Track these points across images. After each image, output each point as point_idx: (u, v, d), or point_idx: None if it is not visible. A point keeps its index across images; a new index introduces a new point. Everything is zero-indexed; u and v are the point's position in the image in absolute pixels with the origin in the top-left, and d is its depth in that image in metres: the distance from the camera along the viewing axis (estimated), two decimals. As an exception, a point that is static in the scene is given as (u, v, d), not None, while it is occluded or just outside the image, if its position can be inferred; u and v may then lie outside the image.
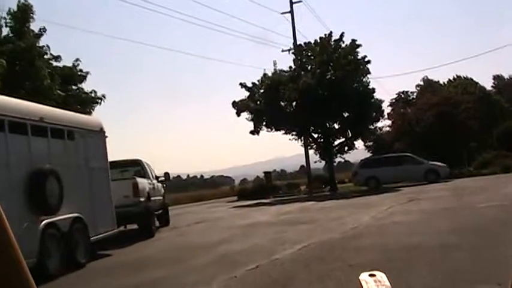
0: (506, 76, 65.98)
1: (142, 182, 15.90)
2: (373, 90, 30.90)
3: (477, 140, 36.96)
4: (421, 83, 61.29)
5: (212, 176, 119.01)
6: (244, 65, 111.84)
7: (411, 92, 54.76)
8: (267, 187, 34.28)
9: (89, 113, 18.76)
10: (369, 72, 30.97)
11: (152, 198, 16.73)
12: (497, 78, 66.48)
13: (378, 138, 42.43)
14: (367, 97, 30.53)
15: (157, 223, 19.04)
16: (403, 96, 53.23)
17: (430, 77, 61.91)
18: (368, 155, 56.13)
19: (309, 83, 29.26)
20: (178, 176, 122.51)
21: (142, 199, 15.37)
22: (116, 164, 17.63)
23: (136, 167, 17.82)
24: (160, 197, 18.97)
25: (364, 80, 30.94)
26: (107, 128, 12.91)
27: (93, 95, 18.64)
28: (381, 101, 31.90)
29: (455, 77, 62.42)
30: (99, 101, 18.72)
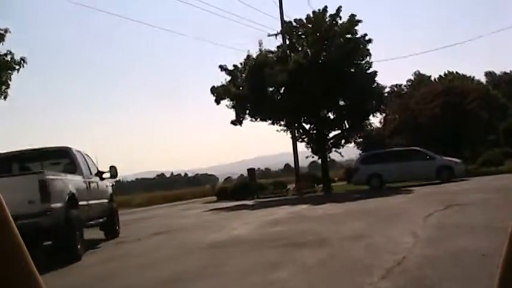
0: (498, 72, 61.46)
1: (60, 179, 10.11)
2: (375, 73, 25.31)
3: (482, 135, 31.47)
4: (412, 77, 56.91)
5: (196, 174, 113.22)
6: (226, 47, 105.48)
7: (404, 86, 49.92)
8: (251, 186, 28.54)
9: (5, 83, 12.92)
10: (370, 54, 25.37)
11: (83, 203, 10.95)
12: (489, 74, 61.90)
13: (369, 134, 37.17)
14: (368, 82, 24.96)
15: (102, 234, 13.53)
16: (396, 89, 48.13)
17: (420, 71, 57.82)
18: (357, 152, 50.75)
19: (300, 62, 23.57)
20: (162, 174, 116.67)
21: (58, 205, 9.59)
22: (29, 155, 11.91)
23: (62, 159, 12.03)
24: (104, 200, 13.21)
25: (363, 62, 25.34)
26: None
27: (8, 58, 12.74)
28: (383, 87, 26.31)
29: (447, 72, 57.94)
30: (18, 66, 12.83)
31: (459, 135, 28.82)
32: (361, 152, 47.19)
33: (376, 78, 25.28)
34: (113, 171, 13.75)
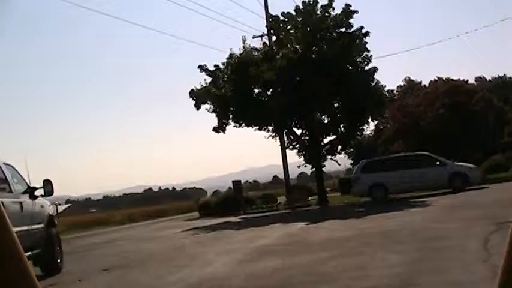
0: (488, 78, 58.84)
1: None
2: (374, 70, 21.96)
3: (492, 137, 28.08)
4: (402, 84, 54.09)
5: (184, 188, 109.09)
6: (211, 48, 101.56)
7: (396, 91, 46.94)
8: (237, 200, 24.85)
9: None
10: (367, 50, 22.00)
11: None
12: (480, 80, 59.28)
13: (359, 142, 33.85)
14: (366, 80, 21.59)
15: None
16: (388, 95, 45.04)
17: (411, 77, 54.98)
18: (348, 161, 47.08)
19: (290, 57, 20.13)
20: (150, 189, 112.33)
21: None
22: None
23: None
24: (35, 226, 9.51)
25: (360, 58, 21.98)
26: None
27: None
28: (383, 87, 22.96)
29: (437, 78, 55.19)
30: None
31: (466, 138, 25.45)
32: (352, 161, 43.61)
33: (376, 76, 21.95)
34: (48, 187, 10.07)
